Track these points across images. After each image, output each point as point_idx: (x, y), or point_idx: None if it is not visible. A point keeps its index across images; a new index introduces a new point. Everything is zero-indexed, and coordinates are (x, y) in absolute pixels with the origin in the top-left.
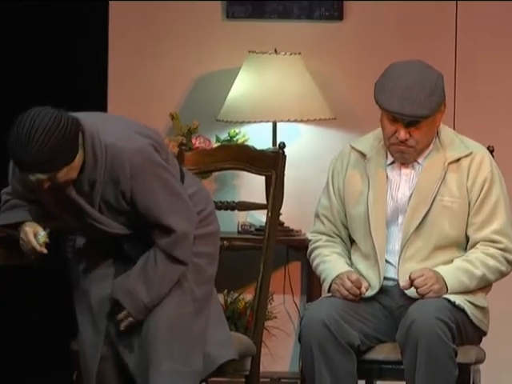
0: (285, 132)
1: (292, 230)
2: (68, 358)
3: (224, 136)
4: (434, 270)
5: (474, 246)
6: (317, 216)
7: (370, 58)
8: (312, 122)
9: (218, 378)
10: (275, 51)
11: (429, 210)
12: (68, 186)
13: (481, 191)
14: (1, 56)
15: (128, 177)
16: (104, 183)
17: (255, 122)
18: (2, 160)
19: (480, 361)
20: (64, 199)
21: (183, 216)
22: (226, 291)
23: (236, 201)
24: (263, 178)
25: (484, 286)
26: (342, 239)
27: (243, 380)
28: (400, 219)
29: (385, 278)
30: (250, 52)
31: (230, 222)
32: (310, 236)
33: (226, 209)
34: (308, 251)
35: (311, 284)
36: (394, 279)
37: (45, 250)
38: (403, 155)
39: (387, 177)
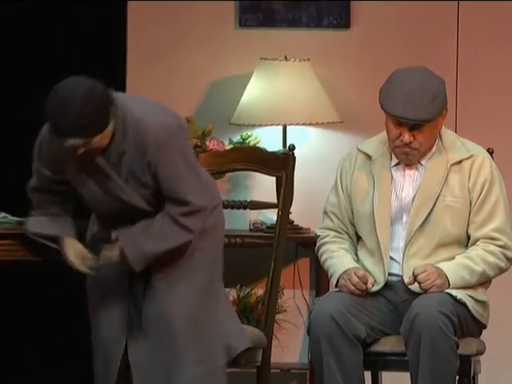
0: (294, 135)
1: (301, 228)
2: (81, 351)
3: (237, 138)
4: (437, 266)
5: (474, 243)
6: (325, 213)
7: (376, 65)
8: (320, 125)
9: (230, 369)
10: (285, 58)
11: (432, 209)
12: (98, 154)
13: (481, 191)
14: (18, 56)
15: (154, 150)
16: (131, 154)
17: (266, 125)
18: (2, 157)
19: (480, 352)
20: (90, 169)
21: (202, 192)
22: (238, 286)
23: (248, 200)
24: (274, 178)
25: (484, 281)
26: (349, 235)
27: (255, 370)
28: (404, 218)
29: (389, 274)
30: (261, 59)
31: (243, 221)
32: (318, 232)
33: (238, 208)
34: (316, 246)
35: (319, 279)
36: (398, 275)
37: (93, 272)
38: (407, 157)
39: (392, 177)
